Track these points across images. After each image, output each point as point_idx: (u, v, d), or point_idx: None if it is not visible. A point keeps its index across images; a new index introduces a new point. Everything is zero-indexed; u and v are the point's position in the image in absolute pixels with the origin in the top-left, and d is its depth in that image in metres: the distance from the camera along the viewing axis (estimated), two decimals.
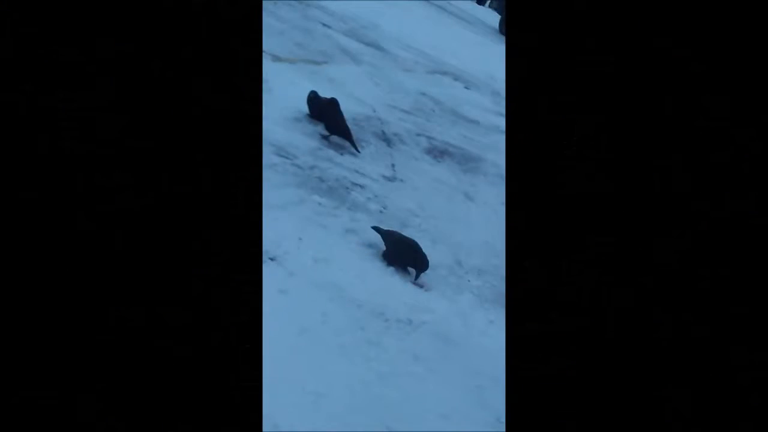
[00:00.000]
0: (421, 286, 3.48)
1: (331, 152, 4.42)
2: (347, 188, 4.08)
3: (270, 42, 5.68)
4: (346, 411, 2.50)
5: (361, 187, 4.17)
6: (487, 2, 17.59)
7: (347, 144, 4.55)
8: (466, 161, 5.41)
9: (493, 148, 5.89)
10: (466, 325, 3.33)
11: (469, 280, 3.74)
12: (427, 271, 3.54)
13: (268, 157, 3.93)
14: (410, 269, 3.55)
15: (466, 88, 7.46)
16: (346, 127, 4.54)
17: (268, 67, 5.12)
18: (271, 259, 3.10)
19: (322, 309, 2.97)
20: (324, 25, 7.17)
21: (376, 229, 3.64)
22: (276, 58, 5.51)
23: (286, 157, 4.05)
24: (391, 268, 3.49)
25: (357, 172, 4.34)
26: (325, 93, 4.68)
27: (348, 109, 4.82)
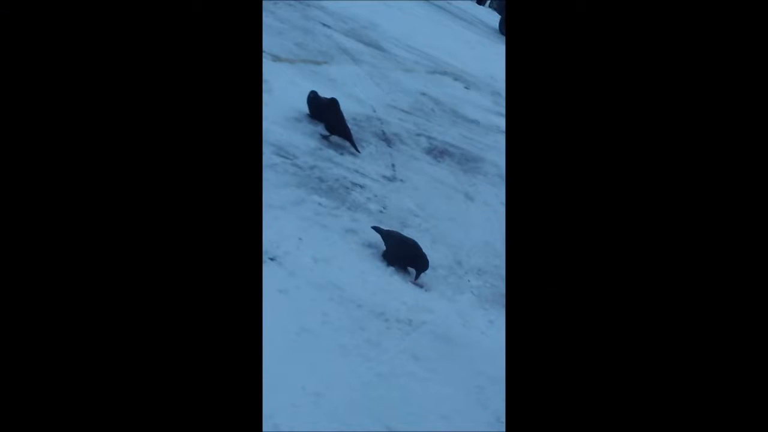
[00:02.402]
0: (421, 286, 3.48)
1: (331, 152, 4.42)
2: (347, 188, 4.07)
3: (270, 42, 5.68)
4: (346, 411, 2.50)
5: (361, 187, 4.17)
6: (487, 2, 17.58)
7: (347, 144, 4.55)
8: (466, 161, 5.40)
9: (493, 148, 5.89)
10: (466, 325, 3.33)
11: (469, 280, 3.74)
12: (427, 271, 3.53)
13: (268, 157, 3.93)
14: (410, 269, 3.55)
15: (466, 88, 7.45)
16: (346, 127, 4.53)
17: (268, 67, 5.13)
18: (271, 259, 3.10)
19: (322, 309, 2.96)
20: (324, 25, 7.16)
21: (376, 229, 3.63)
22: (276, 58, 5.51)
23: (286, 157, 4.05)
24: (391, 268, 3.49)
25: (357, 172, 4.33)
26: (325, 93, 4.67)
27: (348, 109, 4.82)
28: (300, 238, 3.34)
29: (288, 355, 2.60)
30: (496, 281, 3.81)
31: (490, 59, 9.34)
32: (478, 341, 3.26)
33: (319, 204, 3.74)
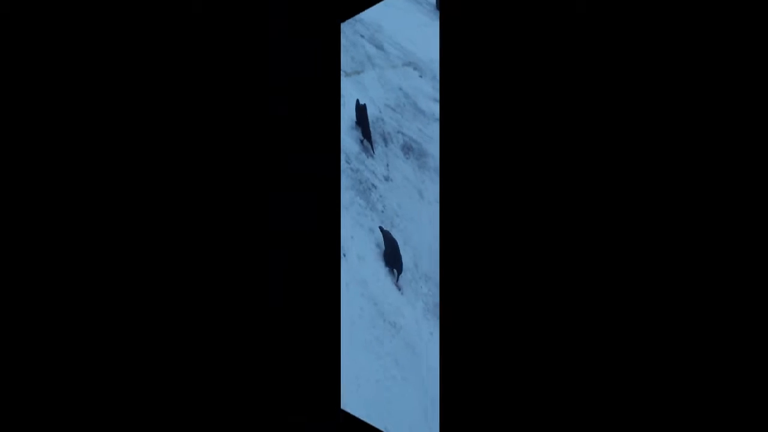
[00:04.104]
0: (399, 289, 3.59)
1: (362, 155, 4.29)
2: (369, 189, 4.06)
3: None
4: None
5: (375, 187, 4.04)
6: None
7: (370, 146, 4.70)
8: (420, 156, 5.21)
9: (435, 140, 5.51)
10: (419, 335, 3.25)
11: (421, 287, 3.40)
12: (403, 274, 3.48)
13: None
14: (395, 270, 3.60)
15: (420, 76, 7.34)
16: (370, 130, 4.86)
17: None
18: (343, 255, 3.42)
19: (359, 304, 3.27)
20: None
21: (381, 229, 3.81)
22: None
23: (347, 162, 4.07)
24: (386, 269, 3.66)
25: (373, 173, 4.25)
26: None
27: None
28: (352, 237, 3.64)
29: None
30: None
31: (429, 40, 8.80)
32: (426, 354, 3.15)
33: (359, 204, 3.89)
